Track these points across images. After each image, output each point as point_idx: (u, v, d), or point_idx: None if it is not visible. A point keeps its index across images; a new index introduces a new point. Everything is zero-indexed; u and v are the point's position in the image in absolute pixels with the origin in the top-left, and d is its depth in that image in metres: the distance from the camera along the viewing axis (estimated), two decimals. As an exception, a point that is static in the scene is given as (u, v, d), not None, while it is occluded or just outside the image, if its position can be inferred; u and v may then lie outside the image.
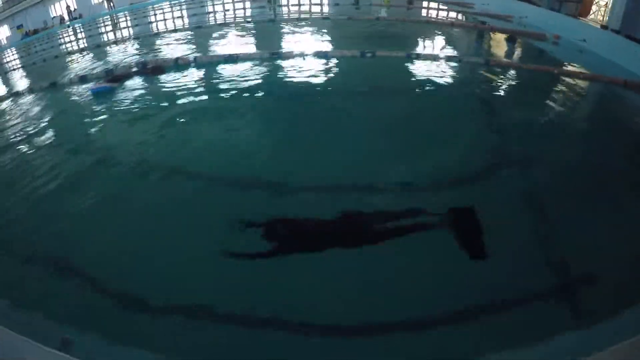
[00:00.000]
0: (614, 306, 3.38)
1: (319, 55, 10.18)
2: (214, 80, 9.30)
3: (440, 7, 17.61)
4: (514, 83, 8.71)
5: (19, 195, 5.74)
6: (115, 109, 8.30)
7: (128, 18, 23.13)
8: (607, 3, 12.11)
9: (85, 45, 17.47)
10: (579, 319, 3.41)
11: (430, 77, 8.55)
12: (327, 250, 4.08)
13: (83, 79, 10.46)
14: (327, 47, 10.83)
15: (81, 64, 13.17)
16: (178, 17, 21.68)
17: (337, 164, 5.57)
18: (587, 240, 4.15)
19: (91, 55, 14.28)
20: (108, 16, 24.83)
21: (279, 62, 10.12)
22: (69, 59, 14.65)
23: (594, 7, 12.77)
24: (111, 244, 4.55)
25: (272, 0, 23.08)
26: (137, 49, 13.93)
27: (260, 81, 8.92)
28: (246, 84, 8.74)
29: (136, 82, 9.80)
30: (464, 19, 15.00)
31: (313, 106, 7.55)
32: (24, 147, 7.26)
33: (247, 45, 12.77)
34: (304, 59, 10.09)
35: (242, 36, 14.23)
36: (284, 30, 14.28)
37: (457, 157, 5.67)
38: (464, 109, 7.32)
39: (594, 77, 8.41)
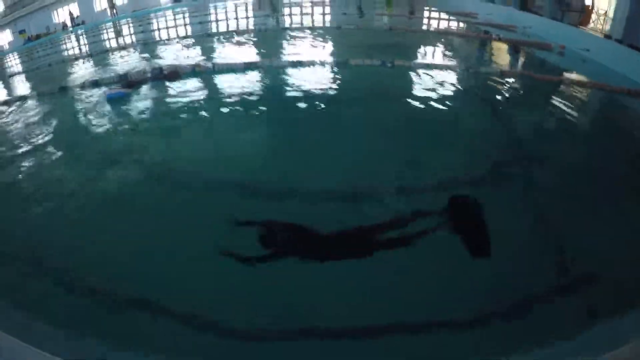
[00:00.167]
0: (617, 308, 3.40)
1: (338, 64, 10.36)
2: (231, 87, 9.39)
3: (445, 17, 17.98)
4: (523, 92, 8.88)
5: (25, 198, 5.83)
6: (129, 114, 8.40)
7: (132, 25, 23.46)
8: (606, 12, 12.45)
9: (91, 50, 17.68)
10: (582, 321, 3.41)
11: (443, 87, 8.72)
12: (329, 252, 4.13)
13: (95, 84, 10.56)
14: (345, 55, 10.93)
15: (90, 69, 13.35)
16: (181, 25, 22.06)
17: (349, 167, 5.69)
18: (591, 244, 4.20)
19: (99, 60, 14.50)
20: (111, 23, 25.19)
21: (297, 70, 10.20)
22: (76, 64, 14.83)
23: (593, 16, 13.09)
24: (114, 246, 4.59)
25: (275, 10, 23.51)
26: (143, 56, 14.13)
27: (277, 89, 9.03)
28: (262, 92, 8.86)
29: (151, 87, 9.86)
30: (474, 31, 15.28)
31: (329, 113, 7.68)
32: (31, 151, 7.34)
33: (262, 53, 12.92)
34: (323, 66, 10.22)
35: (255, 45, 14.41)
36: (297, 39, 14.53)
37: (463, 161, 5.81)
38: (475, 116, 7.49)
39: (600, 86, 8.61)
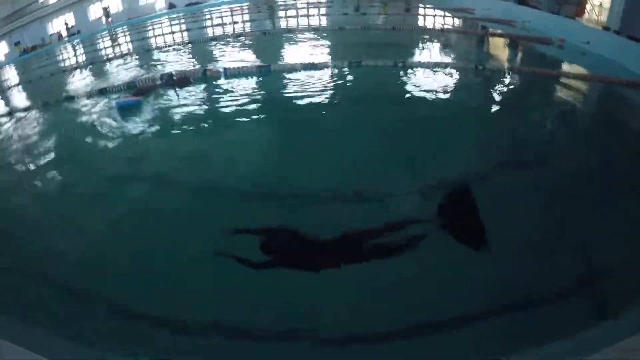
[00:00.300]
0: (619, 306, 3.48)
1: (353, 64, 10.43)
2: (242, 92, 9.44)
3: (444, 14, 18.21)
4: (525, 87, 9.13)
5: (30, 202, 6.03)
6: (141, 122, 8.47)
7: (130, 33, 23.55)
8: (601, 3, 12.72)
9: (93, 59, 17.71)
10: (583, 319, 3.45)
11: (445, 84, 9.01)
12: (330, 254, 4.19)
13: (102, 92, 10.59)
14: (357, 56, 11.00)
15: (94, 78, 13.46)
16: (182, 31, 22.16)
17: (361, 168, 5.82)
18: (593, 241, 4.27)
19: (102, 69, 14.61)
20: (107, 32, 25.28)
21: (312, 72, 10.24)
22: (79, 73, 14.92)
23: (587, 7, 13.37)
24: (115, 251, 4.71)
25: (272, 11, 23.71)
26: (148, 63, 14.23)
27: (288, 92, 9.08)
28: (274, 95, 8.94)
29: (162, 94, 9.86)
30: (474, 27, 15.56)
31: (336, 115, 7.84)
32: (39, 160, 7.50)
33: (269, 56, 12.91)
34: (338, 69, 10.31)
35: (261, 47, 14.47)
36: (303, 41, 14.66)
37: (465, 158, 5.96)
38: (478, 112, 7.69)
39: (600, 78, 8.86)
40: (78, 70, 15.41)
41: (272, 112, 8.24)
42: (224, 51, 14.37)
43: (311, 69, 10.34)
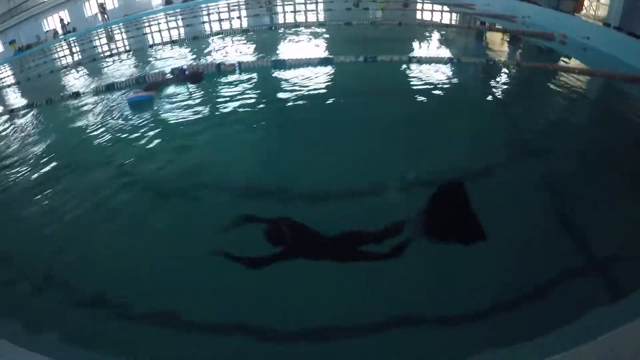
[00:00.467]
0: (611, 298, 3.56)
1: (368, 59, 10.44)
2: (257, 86, 9.44)
3: (445, 9, 18.54)
4: (528, 82, 9.38)
5: (31, 200, 6.04)
6: (151, 117, 8.45)
7: (128, 29, 23.60)
8: None
9: (94, 56, 17.73)
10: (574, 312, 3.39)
11: (448, 79, 9.23)
12: (329, 253, 4.23)
13: (110, 88, 10.57)
14: (373, 51, 10.95)
15: (98, 74, 13.54)
16: (174, 28, 22.28)
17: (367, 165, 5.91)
18: (593, 238, 4.34)
19: (105, 65, 14.68)
20: (104, 28, 25.32)
21: (328, 67, 10.30)
22: (81, 70, 15.06)
23: (585, 3, 13.74)
24: (115, 250, 4.74)
25: (270, 6, 23.90)
26: (149, 59, 14.34)
27: (306, 87, 9.06)
28: (288, 90, 8.92)
29: (174, 90, 9.77)
30: (475, 22, 15.85)
31: (348, 110, 7.93)
32: (39, 158, 7.52)
33: (279, 51, 12.93)
34: (353, 64, 10.33)
35: (270, 43, 14.41)
36: (314, 35, 14.73)
37: (468, 154, 6.03)
38: (480, 108, 7.88)
39: (600, 73, 9.18)
40: (79, 68, 15.57)
41: (284, 108, 8.30)
42: (230, 46, 14.46)
43: (327, 64, 10.42)
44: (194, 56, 13.50)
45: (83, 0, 27.10)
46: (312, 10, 21.54)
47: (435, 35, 13.76)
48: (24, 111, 10.65)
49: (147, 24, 23.89)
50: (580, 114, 7.87)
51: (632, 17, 10.86)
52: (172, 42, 16.53)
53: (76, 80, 13.52)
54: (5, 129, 9.72)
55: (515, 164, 5.95)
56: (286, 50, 12.99)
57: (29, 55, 23.37)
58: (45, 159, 7.46)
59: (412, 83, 9.09)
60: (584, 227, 4.56)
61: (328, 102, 8.34)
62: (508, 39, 12.96)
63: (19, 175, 7.02)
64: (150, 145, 7.33)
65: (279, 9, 23.77)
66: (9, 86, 15.83)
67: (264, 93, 9.18)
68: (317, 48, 12.76)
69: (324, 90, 8.93)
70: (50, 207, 5.95)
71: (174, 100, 9.26)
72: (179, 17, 24.65)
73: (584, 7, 13.75)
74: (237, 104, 8.61)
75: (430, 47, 12.41)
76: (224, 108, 8.45)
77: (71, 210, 5.71)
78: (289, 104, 8.35)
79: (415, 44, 12.70)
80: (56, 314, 3.97)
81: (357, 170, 5.81)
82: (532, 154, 6.17)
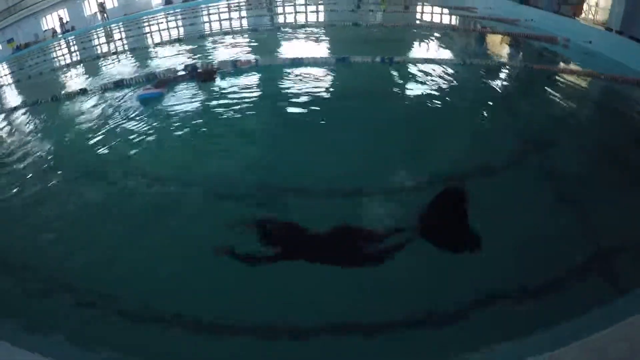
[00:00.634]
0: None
1: (386, 60, 10.65)
2: (269, 85, 9.58)
3: (441, 12, 19.04)
4: (532, 84, 9.72)
5: (31, 199, 6.13)
6: (161, 115, 8.50)
7: (129, 28, 23.72)
8: (597, 2, 13.66)
9: (97, 54, 17.84)
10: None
11: (454, 82, 9.51)
12: (329, 253, 4.29)
13: (119, 85, 10.61)
14: (387, 53, 11.20)
15: (104, 72, 13.66)
16: (178, 27, 22.46)
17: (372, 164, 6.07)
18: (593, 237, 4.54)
19: (109, 63, 14.83)
20: (102, 28, 25.44)
21: (345, 67, 10.56)
22: (86, 67, 15.15)
23: (585, 6, 14.20)
24: (115, 250, 4.84)
25: (271, 7, 24.23)
26: (153, 58, 14.52)
27: (320, 87, 9.25)
28: (301, 90, 9.07)
29: (185, 87, 9.82)
30: (479, 25, 16.27)
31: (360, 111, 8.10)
32: (43, 157, 7.64)
33: (290, 50, 13.07)
34: (371, 64, 10.56)
35: (282, 42, 14.59)
36: (322, 36, 15.07)
37: (471, 154, 6.22)
38: (485, 111, 8.18)
39: (605, 76, 9.63)
40: (82, 66, 15.67)
41: (294, 106, 8.41)
42: (239, 45, 14.67)
43: (344, 63, 10.66)
44: (204, 55, 13.69)
45: (82, -1, 27.28)
46: (314, 12, 21.86)
47: (440, 38, 14.17)
48: (28, 108, 10.72)
49: (148, 24, 24.04)
50: (583, 116, 8.19)
51: (633, 22, 11.34)
52: (180, 41, 16.74)
53: (81, 78, 13.67)
54: (6, 127, 9.82)
55: (516, 165, 6.12)
56: (300, 49, 13.18)
57: (27, 53, 23.42)
58: (46, 158, 7.56)
59: (426, 84, 9.36)
60: (584, 227, 4.74)
61: (341, 102, 8.47)
62: (511, 42, 13.41)
63: (19, 174, 7.10)
64: (157, 144, 7.41)
65: (284, 9, 24.08)
66: (10, 84, 15.92)
67: (276, 91, 9.27)
68: (329, 48, 13.08)
69: (337, 90, 9.11)
70: (51, 206, 6.00)
71: (184, 97, 9.31)
72: (182, 16, 24.83)
73: (583, 11, 14.28)
74: (246, 102, 8.68)
75: (436, 49, 12.84)
76: (233, 106, 8.51)
77: (72, 210, 5.82)
78: (300, 103, 8.47)
79: (426, 46, 13.12)
80: (56, 314, 4.02)
81: (364, 170, 5.93)
82: (534, 155, 6.37)
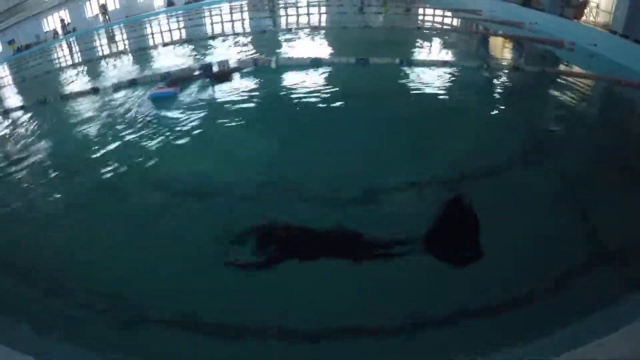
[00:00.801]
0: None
1: (404, 62, 10.83)
2: (283, 85, 9.67)
3: (453, 15, 19.16)
4: (539, 87, 9.80)
5: (32, 198, 6.26)
6: (171, 115, 8.55)
7: (131, 29, 23.94)
8: (598, 4, 13.75)
9: (101, 55, 18.13)
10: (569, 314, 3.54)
11: (462, 85, 9.67)
12: (328, 253, 4.35)
13: (132, 83, 10.74)
14: (403, 55, 11.47)
15: (113, 71, 13.87)
16: (177, 28, 22.62)
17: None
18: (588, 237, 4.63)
19: (116, 63, 15.07)
20: (105, 29, 25.64)
21: (364, 68, 10.68)
22: (84, 69, 15.34)
23: (587, 9, 14.29)
24: (114, 249, 4.91)
25: (271, 6, 24.41)
26: (156, 60, 14.68)
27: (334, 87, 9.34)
28: (320, 91, 9.18)
29: (199, 86, 9.87)
30: (487, 29, 16.38)
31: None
32: (46, 155, 7.80)
33: (322, 51, 13.26)
34: (389, 65, 10.72)
35: (294, 43, 14.73)
36: (331, 37, 15.27)
37: (474, 155, 6.31)
38: (493, 113, 8.30)
39: (609, 79, 9.69)
40: (87, 66, 15.84)
41: (307, 108, 8.50)
42: (247, 47, 14.82)
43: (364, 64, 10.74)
44: (207, 55, 13.83)
45: (84, 0, 27.42)
46: (316, 14, 22.00)
47: (448, 40, 14.35)
48: (31, 108, 10.83)
49: (146, 26, 24.23)
50: (585, 118, 8.26)
51: (637, 25, 11.37)
52: (183, 42, 17.00)
53: (86, 78, 13.84)
54: (7, 127, 9.93)
55: (519, 165, 6.22)
56: (318, 49, 13.38)
57: (29, 54, 23.60)
58: (46, 158, 7.69)
59: (432, 86, 9.48)
60: (584, 228, 4.83)
61: (354, 102, 8.53)
62: (517, 45, 13.51)
63: (19, 174, 7.16)
64: (158, 144, 7.46)
65: (286, 11, 24.23)
66: (13, 84, 16.12)
67: (286, 92, 9.36)
68: (339, 49, 13.18)
69: (355, 90, 9.18)
70: (51, 206, 6.10)
71: (195, 97, 9.37)
72: (185, 18, 25.02)
73: (584, 14, 14.36)
74: (254, 103, 8.81)
75: (443, 51, 12.98)
76: (241, 107, 8.60)
77: (73, 210, 5.90)
78: (309, 104, 8.55)
79: (434, 49, 13.26)
80: (56, 314, 4.06)
81: (372, 170, 6.04)
82: (534, 155, 6.45)
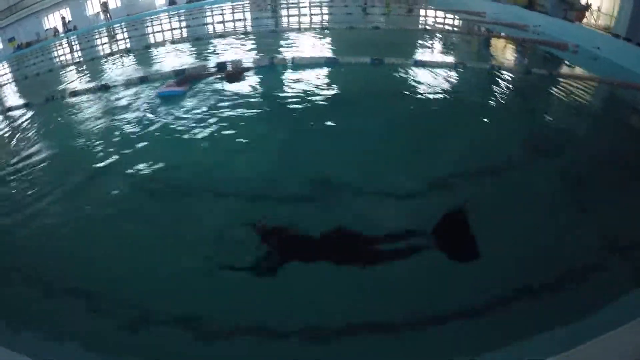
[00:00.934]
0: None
1: (418, 63, 10.91)
2: (294, 85, 9.67)
3: (457, 16, 19.23)
4: (545, 90, 9.82)
5: (32, 198, 6.26)
6: (178, 115, 8.56)
7: (133, 28, 23.98)
8: (599, 7, 13.81)
9: (102, 53, 18.07)
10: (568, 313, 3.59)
11: (466, 87, 9.80)
12: (328, 253, 4.38)
13: (143, 80, 10.74)
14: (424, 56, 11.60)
15: (119, 69, 13.85)
16: (179, 27, 22.70)
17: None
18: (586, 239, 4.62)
19: (122, 62, 15.07)
20: (106, 27, 25.75)
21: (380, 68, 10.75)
22: (84, 68, 15.32)
23: (587, 12, 14.37)
24: (114, 249, 4.95)
25: (274, 6, 24.50)
26: (157, 58, 14.72)
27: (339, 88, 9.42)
28: (333, 92, 9.27)
29: (210, 86, 9.84)
30: (488, 30, 16.51)
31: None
32: (47, 155, 7.80)
33: (338, 51, 13.21)
34: (402, 65, 10.77)
35: (305, 43, 14.75)
36: (342, 37, 15.36)
37: (477, 159, 6.35)
38: (497, 115, 8.31)
39: (611, 82, 9.76)
40: (91, 64, 15.81)
41: (315, 108, 8.52)
42: (258, 46, 14.84)
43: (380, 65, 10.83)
44: (206, 56, 13.83)
45: (85, -2, 27.66)
46: (318, 14, 22.08)
47: (453, 42, 14.53)
48: (31, 107, 10.91)
49: (147, 24, 24.31)
50: (587, 120, 8.33)
51: (639, 28, 11.44)
52: (184, 41, 17.04)
53: (87, 77, 13.86)
54: (8, 127, 9.93)
55: (521, 167, 6.23)
56: (334, 49, 13.43)
57: (29, 52, 23.71)
58: (46, 158, 7.68)
59: (437, 87, 9.54)
60: (584, 228, 4.86)
61: (361, 103, 8.55)
62: (521, 48, 13.59)
63: (19, 174, 7.18)
64: (159, 144, 7.52)
65: (288, 11, 24.33)
66: (15, 81, 16.28)
67: (294, 93, 9.32)
68: (348, 49, 13.16)
69: (362, 91, 9.22)
70: (51, 206, 6.08)
71: (203, 97, 9.32)
72: (187, 17, 25.11)
73: (585, 17, 14.44)
74: (261, 104, 8.83)
75: (448, 52, 13.13)
76: (248, 108, 8.62)
77: (73, 210, 5.91)
78: (314, 104, 8.58)
79: (438, 50, 13.38)
80: (56, 314, 4.11)
81: (373, 171, 6.11)
82: (535, 155, 6.51)
